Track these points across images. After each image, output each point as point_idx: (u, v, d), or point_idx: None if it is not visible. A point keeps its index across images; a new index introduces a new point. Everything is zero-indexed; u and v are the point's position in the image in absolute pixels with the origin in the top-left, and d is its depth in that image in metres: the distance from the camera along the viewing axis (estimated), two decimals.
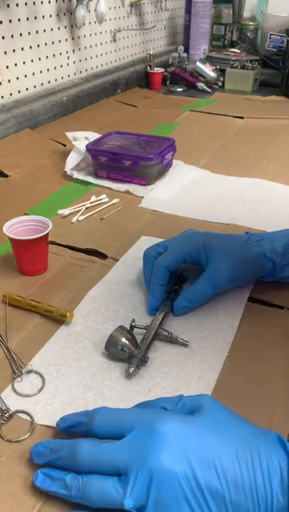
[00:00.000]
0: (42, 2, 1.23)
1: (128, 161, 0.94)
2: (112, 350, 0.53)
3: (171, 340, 0.55)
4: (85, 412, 0.42)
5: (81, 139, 1.05)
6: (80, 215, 0.84)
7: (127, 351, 0.52)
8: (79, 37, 1.41)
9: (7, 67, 1.18)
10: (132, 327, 0.56)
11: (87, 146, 0.98)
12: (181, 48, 1.88)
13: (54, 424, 0.46)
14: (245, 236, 0.63)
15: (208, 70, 1.74)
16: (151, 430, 0.37)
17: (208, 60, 1.83)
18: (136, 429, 0.38)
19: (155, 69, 1.73)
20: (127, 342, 0.52)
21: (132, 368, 0.51)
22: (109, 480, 0.37)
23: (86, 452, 0.38)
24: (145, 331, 0.56)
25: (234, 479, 0.35)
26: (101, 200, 0.89)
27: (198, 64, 1.74)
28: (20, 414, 0.47)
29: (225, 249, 0.61)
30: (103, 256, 0.73)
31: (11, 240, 0.66)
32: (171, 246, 0.63)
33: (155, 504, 0.35)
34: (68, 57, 1.40)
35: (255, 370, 0.53)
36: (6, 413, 0.47)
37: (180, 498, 0.35)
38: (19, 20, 1.18)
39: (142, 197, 0.91)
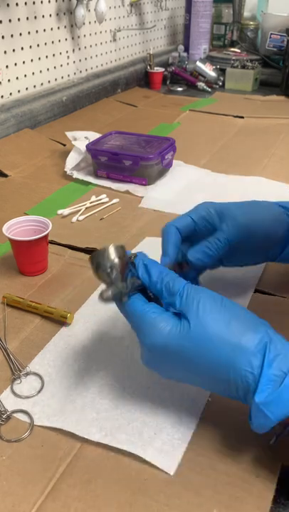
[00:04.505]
0: (42, 2, 1.23)
1: (128, 161, 0.94)
2: (99, 264, 0.43)
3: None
4: None
5: (81, 139, 1.05)
6: (80, 215, 0.83)
7: (113, 275, 0.43)
8: (79, 36, 1.41)
9: (7, 66, 1.18)
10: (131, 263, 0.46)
11: (87, 146, 0.97)
12: (181, 47, 1.88)
13: (52, 425, 0.46)
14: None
15: (209, 70, 1.73)
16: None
17: (208, 59, 1.83)
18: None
19: (155, 68, 1.73)
20: (118, 263, 0.43)
21: (108, 294, 0.43)
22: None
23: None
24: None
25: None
26: (101, 200, 0.89)
27: (199, 63, 1.74)
28: (18, 415, 0.47)
29: (240, 204, 0.58)
30: None
31: (11, 240, 0.66)
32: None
33: None
34: (68, 57, 1.39)
35: None
36: (4, 414, 0.47)
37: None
38: (19, 19, 1.18)
39: (142, 197, 0.91)
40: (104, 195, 0.90)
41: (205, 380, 0.42)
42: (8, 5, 1.13)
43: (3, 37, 1.14)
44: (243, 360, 0.38)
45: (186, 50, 1.89)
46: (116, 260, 0.43)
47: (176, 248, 0.55)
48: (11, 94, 1.21)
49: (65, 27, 1.34)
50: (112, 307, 0.55)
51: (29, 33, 1.22)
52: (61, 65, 1.37)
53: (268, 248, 0.59)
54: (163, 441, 0.44)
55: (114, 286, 0.43)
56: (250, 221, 0.56)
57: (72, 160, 1.01)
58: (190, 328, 0.40)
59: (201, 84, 1.70)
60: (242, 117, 1.39)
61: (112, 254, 0.43)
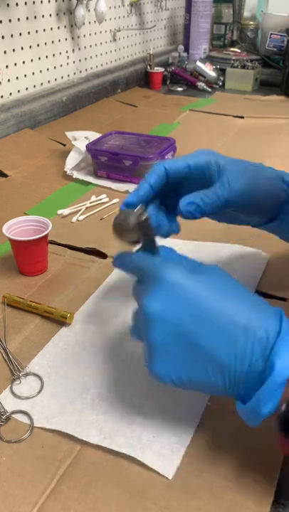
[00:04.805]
0: (42, 2, 1.23)
1: (128, 161, 0.94)
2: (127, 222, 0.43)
3: None
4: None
5: (81, 139, 1.05)
6: (80, 215, 0.83)
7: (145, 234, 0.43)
8: (79, 36, 1.41)
9: (7, 66, 1.18)
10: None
11: (87, 146, 0.97)
12: (181, 47, 1.87)
13: (52, 426, 0.46)
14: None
15: (209, 70, 1.73)
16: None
17: (208, 59, 1.82)
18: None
19: (155, 68, 1.73)
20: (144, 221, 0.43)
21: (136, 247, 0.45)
22: None
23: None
24: None
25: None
26: (101, 200, 0.89)
27: (199, 63, 1.73)
28: (18, 416, 0.47)
29: (241, 163, 0.54)
30: (103, 256, 0.72)
31: (11, 240, 0.66)
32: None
33: None
34: (68, 57, 1.39)
35: None
36: (3, 415, 0.47)
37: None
38: (19, 19, 1.17)
39: None
40: (104, 195, 0.90)
41: (214, 341, 0.38)
42: (8, 5, 1.13)
43: (3, 37, 1.14)
44: (262, 317, 0.38)
45: (186, 50, 1.89)
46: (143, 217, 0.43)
47: (151, 190, 0.50)
48: (10, 94, 1.21)
49: (65, 27, 1.34)
50: (113, 308, 0.55)
51: (29, 32, 1.22)
52: (61, 65, 1.37)
53: (256, 215, 0.56)
54: (162, 444, 0.44)
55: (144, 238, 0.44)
56: (252, 190, 0.51)
57: (72, 160, 1.01)
58: (209, 277, 0.40)
59: (201, 84, 1.69)
60: (242, 117, 1.38)
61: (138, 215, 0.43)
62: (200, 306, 0.38)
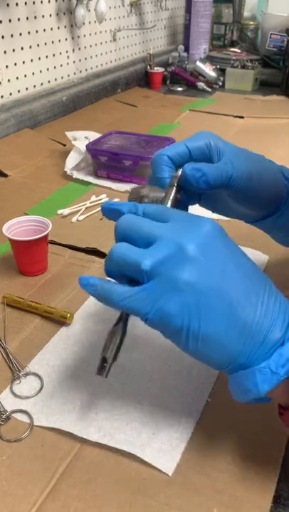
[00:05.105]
0: (42, 1, 1.23)
1: (128, 161, 0.94)
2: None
3: None
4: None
5: (81, 139, 1.05)
6: (80, 215, 0.83)
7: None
8: (79, 36, 1.41)
9: (7, 66, 1.18)
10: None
11: (87, 146, 0.97)
12: (181, 47, 1.88)
13: (51, 425, 0.46)
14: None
15: (209, 70, 1.73)
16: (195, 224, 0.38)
17: (208, 59, 1.83)
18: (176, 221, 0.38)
19: (155, 68, 1.73)
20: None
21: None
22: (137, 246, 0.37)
23: (125, 218, 0.38)
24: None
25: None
26: (101, 200, 0.89)
27: (199, 63, 1.74)
28: (18, 415, 0.47)
29: (241, 149, 0.53)
30: (103, 256, 0.73)
31: (11, 240, 0.66)
32: None
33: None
34: (68, 57, 1.39)
35: None
36: (3, 414, 0.47)
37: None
38: (19, 19, 1.18)
39: None
40: (104, 195, 0.90)
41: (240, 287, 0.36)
42: (8, 5, 1.13)
43: (3, 37, 1.14)
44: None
45: (186, 50, 1.89)
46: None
47: (172, 172, 0.47)
48: (10, 94, 1.21)
49: (65, 27, 1.34)
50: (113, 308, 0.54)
51: (29, 32, 1.22)
52: (61, 65, 1.37)
53: (254, 206, 0.55)
54: (162, 441, 0.44)
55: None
56: (252, 178, 0.50)
57: (72, 160, 1.01)
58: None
59: (201, 84, 1.70)
60: (242, 117, 1.39)
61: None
62: (233, 254, 0.38)
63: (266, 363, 0.35)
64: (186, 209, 0.49)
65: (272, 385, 0.35)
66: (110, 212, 0.42)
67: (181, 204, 0.47)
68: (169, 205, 0.44)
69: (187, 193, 0.48)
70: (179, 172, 0.46)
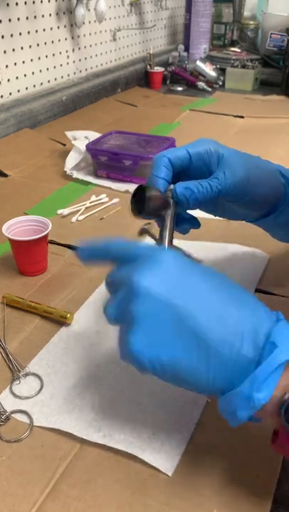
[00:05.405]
0: (42, 1, 1.23)
1: (128, 161, 0.94)
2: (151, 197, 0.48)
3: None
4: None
5: (81, 139, 1.05)
6: (80, 215, 0.83)
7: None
8: (79, 36, 1.41)
9: (7, 66, 1.18)
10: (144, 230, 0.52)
11: (87, 146, 0.97)
12: (181, 47, 1.88)
13: (51, 425, 0.46)
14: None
15: (209, 69, 1.73)
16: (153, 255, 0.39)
17: (208, 59, 1.83)
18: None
19: (155, 68, 1.73)
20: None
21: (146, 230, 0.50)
22: None
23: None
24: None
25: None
26: (101, 199, 0.89)
27: (199, 63, 1.74)
28: (18, 416, 0.47)
29: (241, 154, 0.54)
30: None
31: (11, 240, 0.66)
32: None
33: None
34: (68, 57, 1.39)
35: None
36: (3, 414, 0.47)
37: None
38: (19, 19, 1.17)
39: None
40: (104, 195, 0.90)
41: (203, 318, 0.36)
42: (8, 4, 1.13)
43: (2, 37, 1.14)
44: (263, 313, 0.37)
45: (186, 49, 1.89)
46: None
47: (169, 173, 0.50)
48: (10, 93, 1.21)
49: (64, 26, 1.34)
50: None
51: (29, 32, 1.22)
52: (61, 65, 1.37)
53: (252, 208, 0.56)
54: (162, 441, 0.44)
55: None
56: (249, 184, 0.51)
57: (72, 160, 1.01)
58: (206, 268, 0.39)
59: (201, 84, 1.70)
60: (242, 117, 1.39)
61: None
62: (193, 285, 0.37)
63: (241, 386, 0.34)
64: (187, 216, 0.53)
65: (249, 412, 0.34)
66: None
67: (180, 216, 0.51)
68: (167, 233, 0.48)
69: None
70: (171, 186, 0.49)
